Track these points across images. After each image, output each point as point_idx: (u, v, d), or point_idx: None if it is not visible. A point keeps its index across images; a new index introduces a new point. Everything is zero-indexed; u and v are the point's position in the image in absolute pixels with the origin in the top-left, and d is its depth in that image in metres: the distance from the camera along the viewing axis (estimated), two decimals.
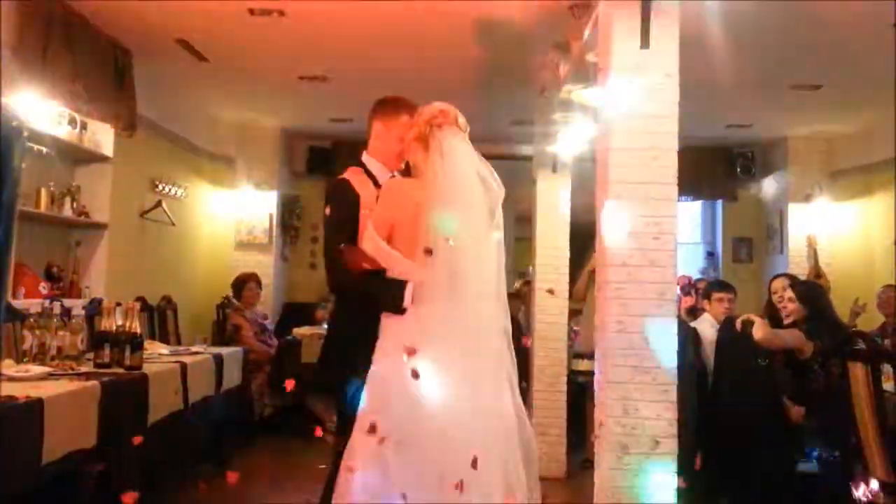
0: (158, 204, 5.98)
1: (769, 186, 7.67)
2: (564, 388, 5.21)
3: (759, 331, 3.84)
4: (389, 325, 2.44)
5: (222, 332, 6.31)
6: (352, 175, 2.63)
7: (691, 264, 8.12)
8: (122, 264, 5.41)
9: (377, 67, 5.32)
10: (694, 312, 5.40)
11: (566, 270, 5.31)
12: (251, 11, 4.35)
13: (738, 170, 7.71)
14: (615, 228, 2.75)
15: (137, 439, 3.07)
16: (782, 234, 7.30)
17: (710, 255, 8.28)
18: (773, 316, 4.39)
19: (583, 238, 4.95)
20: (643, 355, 2.68)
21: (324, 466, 2.61)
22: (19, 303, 4.02)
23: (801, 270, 6.54)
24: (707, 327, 4.56)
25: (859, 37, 4.52)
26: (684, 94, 2.77)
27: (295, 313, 7.24)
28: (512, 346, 2.46)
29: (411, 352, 2.31)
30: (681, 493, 2.67)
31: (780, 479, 3.74)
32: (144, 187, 5.90)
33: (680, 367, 2.72)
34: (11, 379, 2.93)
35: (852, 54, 4.82)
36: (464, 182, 2.44)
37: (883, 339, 4.96)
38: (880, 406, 3.21)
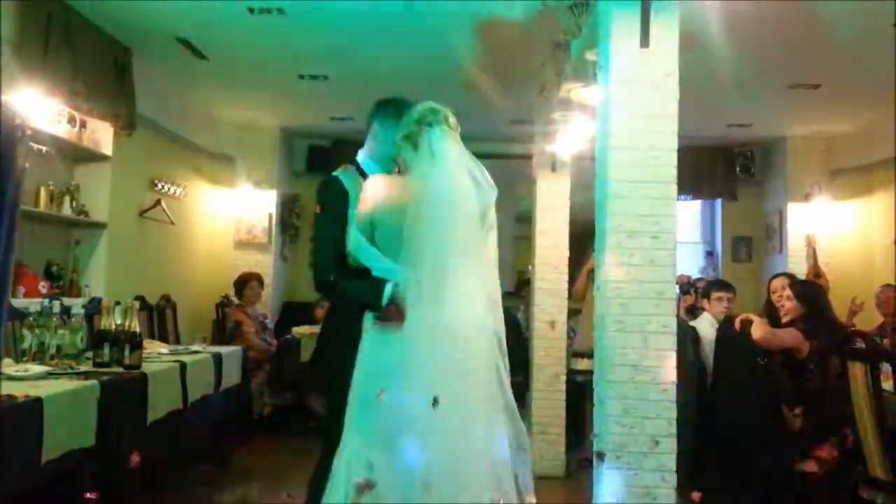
0: (158, 203, 5.98)
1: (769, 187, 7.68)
2: (563, 387, 5.21)
3: (758, 330, 3.84)
4: (372, 326, 2.43)
5: (222, 331, 6.32)
6: (343, 172, 2.63)
7: (690, 263, 8.13)
8: (122, 263, 5.41)
9: (377, 66, 5.32)
10: (693, 311, 5.41)
11: (566, 269, 5.31)
12: (251, 10, 4.35)
13: (738, 169, 7.71)
14: (614, 227, 2.75)
15: (135, 458, 3.08)
16: (781, 234, 7.31)
17: (710, 254, 8.28)
18: (772, 315, 4.40)
19: (582, 237, 4.95)
20: (642, 354, 2.68)
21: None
22: (19, 302, 4.02)
23: (800, 270, 6.54)
24: (706, 326, 4.56)
25: (859, 36, 4.52)
26: (684, 93, 2.77)
27: (294, 312, 7.24)
28: (504, 347, 2.43)
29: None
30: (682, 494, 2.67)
31: (779, 479, 3.74)
32: (144, 186, 5.90)
33: (679, 367, 2.72)
34: (11, 378, 2.93)
35: (852, 53, 4.82)
36: (453, 181, 2.41)
37: (882, 339, 4.96)
38: (879, 405, 3.22)
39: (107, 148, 5.16)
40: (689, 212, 8.43)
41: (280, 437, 5.78)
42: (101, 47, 4.76)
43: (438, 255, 2.34)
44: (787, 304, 4.09)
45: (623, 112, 2.77)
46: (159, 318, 5.72)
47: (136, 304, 3.86)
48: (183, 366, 3.95)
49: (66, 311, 3.77)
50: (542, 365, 5.22)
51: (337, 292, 2.60)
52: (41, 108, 4.24)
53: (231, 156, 7.38)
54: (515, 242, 8.98)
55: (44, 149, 4.50)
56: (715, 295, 4.71)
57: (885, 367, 3.46)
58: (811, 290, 4.32)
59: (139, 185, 5.83)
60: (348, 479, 2.32)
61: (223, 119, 7.12)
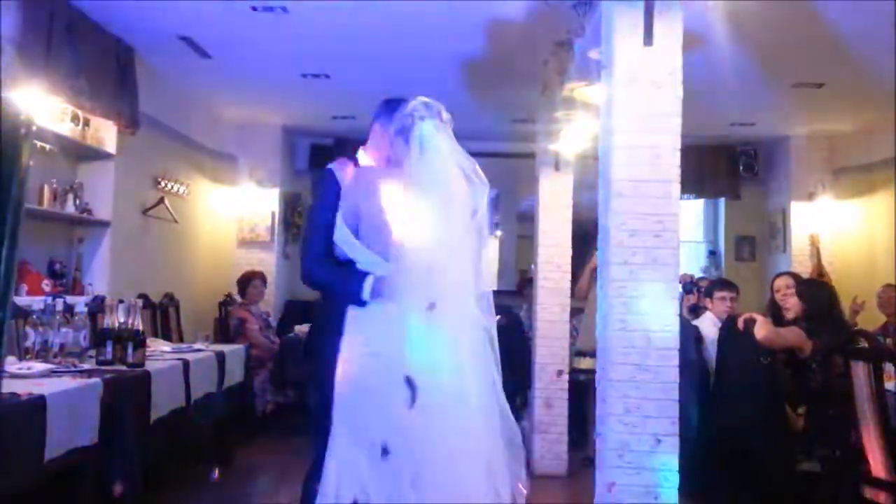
0: (161, 201, 5.99)
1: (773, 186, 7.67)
2: (566, 386, 5.21)
3: (761, 329, 3.83)
4: (354, 320, 2.41)
5: (225, 329, 6.32)
6: (339, 166, 2.63)
7: (694, 263, 8.13)
8: (125, 261, 5.42)
9: (379, 65, 5.32)
10: (696, 311, 5.41)
11: (568, 268, 5.31)
12: (254, 8, 4.35)
13: (741, 168, 7.70)
14: (617, 226, 2.75)
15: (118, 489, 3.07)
16: (785, 233, 7.30)
17: (713, 253, 8.27)
18: (775, 314, 4.39)
19: (585, 236, 4.95)
20: (645, 353, 2.68)
21: None
22: (22, 300, 4.03)
23: (803, 269, 6.53)
24: (709, 326, 4.56)
25: (862, 35, 4.51)
26: (687, 92, 2.76)
27: (297, 311, 7.25)
28: (496, 345, 2.42)
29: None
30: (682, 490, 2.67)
31: (781, 479, 3.74)
32: (147, 184, 5.91)
33: (682, 366, 2.72)
34: (14, 376, 2.93)
35: (855, 53, 4.81)
36: (443, 175, 2.40)
37: (885, 338, 4.96)
38: (882, 405, 3.21)
39: (110, 146, 5.17)
40: (693, 211, 8.43)
41: (283, 435, 5.79)
42: (104, 45, 4.76)
43: (427, 249, 2.32)
44: (791, 303, 4.08)
45: (626, 111, 2.76)
46: (162, 316, 5.73)
47: (140, 303, 3.87)
48: (186, 364, 3.95)
49: (69, 309, 3.77)
50: (545, 364, 5.22)
51: (321, 284, 2.60)
52: (44, 107, 4.25)
53: (234, 154, 7.39)
54: (518, 241, 8.99)
55: (47, 147, 4.51)
56: (718, 294, 4.71)
57: (888, 367, 3.45)
58: (816, 289, 4.31)
59: (142, 184, 5.84)
60: (339, 482, 2.32)
61: (226, 117, 7.13)
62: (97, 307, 4.39)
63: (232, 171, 7.40)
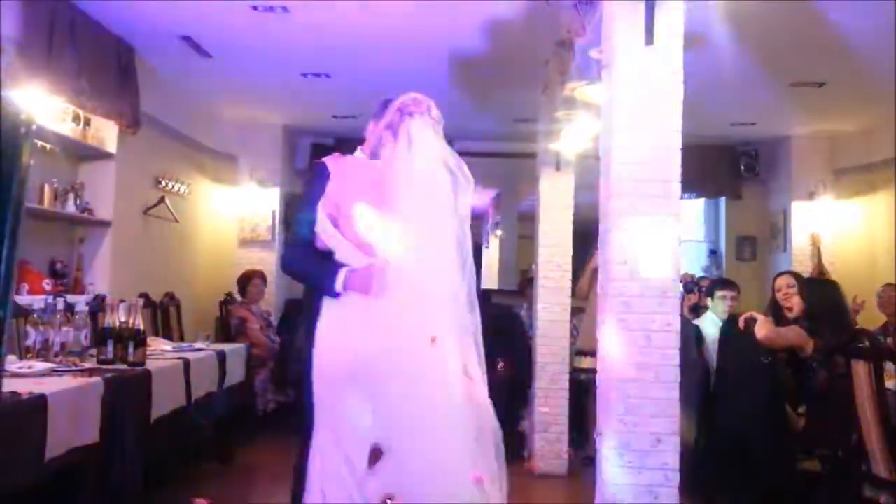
0: (162, 201, 5.99)
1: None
2: (566, 385, 5.22)
3: (762, 329, 3.83)
4: (327, 313, 2.42)
5: (225, 329, 6.33)
6: (332, 160, 2.63)
7: (695, 262, 8.13)
8: (126, 261, 5.42)
9: (380, 65, 5.32)
10: (697, 310, 5.41)
11: (569, 268, 5.31)
12: (255, 8, 4.36)
13: (742, 168, 7.70)
14: (618, 226, 2.75)
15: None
16: (786, 233, 7.29)
17: (713, 253, 8.27)
18: (776, 314, 4.38)
19: (586, 235, 4.95)
20: (645, 353, 2.68)
21: None
22: (23, 299, 4.03)
23: (804, 269, 6.52)
24: (710, 325, 4.56)
25: (863, 35, 4.51)
26: (688, 92, 2.76)
27: (297, 310, 7.24)
28: (479, 342, 2.41)
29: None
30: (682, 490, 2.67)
31: (781, 478, 3.74)
32: (148, 184, 5.91)
33: (682, 365, 2.72)
34: (15, 375, 2.94)
35: (856, 52, 4.81)
36: (428, 170, 2.40)
37: (885, 338, 4.95)
38: (883, 404, 3.21)
39: (111, 146, 5.17)
40: (694, 210, 8.42)
41: (283, 434, 5.77)
42: (105, 45, 4.77)
43: (408, 243, 2.32)
44: (793, 302, 4.08)
45: (627, 110, 2.76)
46: (163, 315, 5.73)
47: (140, 302, 3.87)
48: (187, 363, 3.95)
49: (70, 308, 3.78)
50: (545, 363, 5.22)
51: (297, 274, 2.61)
52: (45, 106, 4.25)
53: (234, 154, 7.39)
54: (519, 241, 8.99)
55: (48, 146, 4.51)
56: (719, 294, 4.71)
57: (889, 367, 3.45)
58: (822, 288, 4.30)
59: (143, 183, 5.84)
60: (322, 479, 2.33)
61: (226, 117, 7.13)
62: (98, 306, 4.39)
63: (232, 170, 7.40)
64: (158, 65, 5.43)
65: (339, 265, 2.39)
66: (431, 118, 2.49)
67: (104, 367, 3.40)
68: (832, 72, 5.29)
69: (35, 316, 3.53)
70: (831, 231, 7.02)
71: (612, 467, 2.66)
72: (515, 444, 5.55)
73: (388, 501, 2.23)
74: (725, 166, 7.72)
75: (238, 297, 6.54)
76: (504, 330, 5.86)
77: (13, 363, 3.14)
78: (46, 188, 4.63)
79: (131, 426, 3.22)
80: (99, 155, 5.14)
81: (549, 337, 5.24)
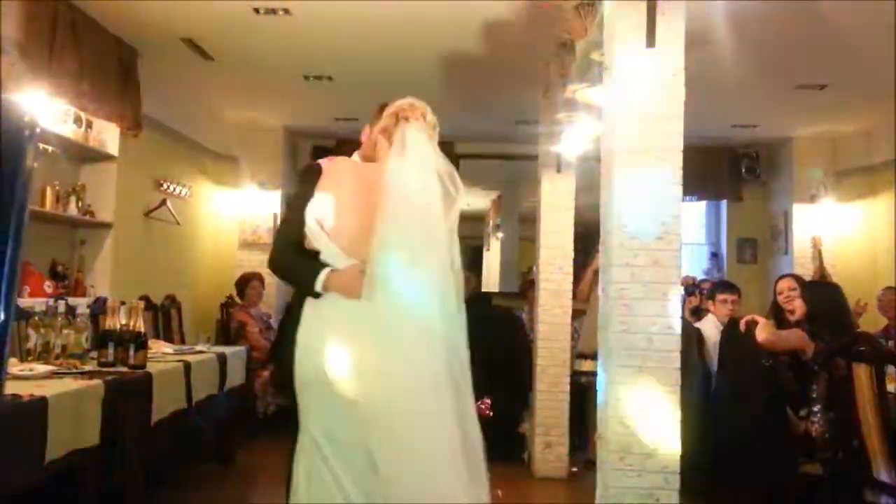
0: (163, 203, 5.99)
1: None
2: (567, 388, 5.21)
3: (763, 332, 3.83)
4: (310, 314, 2.42)
5: (226, 331, 6.33)
6: (326, 161, 2.63)
7: (696, 265, 8.12)
8: (127, 263, 5.43)
9: (381, 67, 5.32)
10: (698, 313, 5.40)
11: (570, 270, 5.30)
12: (257, 10, 4.36)
13: (743, 170, 7.69)
14: (619, 228, 2.75)
15: None
16: (787, 235, 7.29)
17: (714, 255, 8.26)
18: (778, 317, 4.38)
19: (587, 238, 4.95)
20: (646, 356, 2.68)
21: None
22: (24, 301, 4.03)
23: (805, 271, 6.53)
24: (710, 328, 4.55)
25: (865, 36, 4.51)
26: (689, 94, 2.76)
27: None
28: (462, 353, 2.36)
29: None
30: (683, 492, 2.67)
31: (783, 481, 3.73)
32: (149, 186, 5.91)
33: (683, 368, 2.71)
34: (16, 377, 2.93)
35: (858, 54, 4.81)
36: (419, 177, 2.38)
37: (887, 341, 4.95)
38: (884, 407, 3.21)
39: (112, 148, 5.18)
40: (695, 213, 8.42)
41: (283, 436, 5.77)
42: (107, 47, 4.77)
43: (393, 248, 2.31)
44: (795, 305, 4.08)
45: (628, 112, 2.76)
46: (164, 317, 5.73)
47: (141, 304, 3.87)
48: (187, 366, 3.95)
49: (71, 310, 3.78)
50: (546, 366, 5.22)
51: (281, 273, 2.62)
52: (47, 108, 4.26)
53: (236, 156, 7.40)
54: (520, 243, 8.99)
55: (50, 149, 4.52)
56: (720, 297, 4.70)
57: (890, 370, 3.44)
58: (823, 293, 4.29)
59: (145, 186, 5.85)
60: (308, 482, 2.33)
61: (228, 119, 7.14)
62: (99, 309, 4.39)
63: (234, 172, 7.41)
64: (160, 67, 5.44)
65: (323, 266, 2.40)
66: (426, 124, 2.49)
67: (105, 369, 3.40)
68: (833, 74, 5.29)
69: (36, 318, 3.53)
70: (832, 234, 7.01)
71: (612, 470, 2.65)
72: (516, 447, 5.55)
73: None
74: (726, 168, 7.72)
75: (238, 300, 6.55)
76: (504, 332, 5.86)
77: (14, 365, 3.14)
78: (48, 190, 4.63)
79: (132, 429, 3.22)
80: (100, 157, 5.14)
81: (550, 340, 5.23)
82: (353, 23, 4.55)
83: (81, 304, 4.44)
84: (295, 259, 2.47)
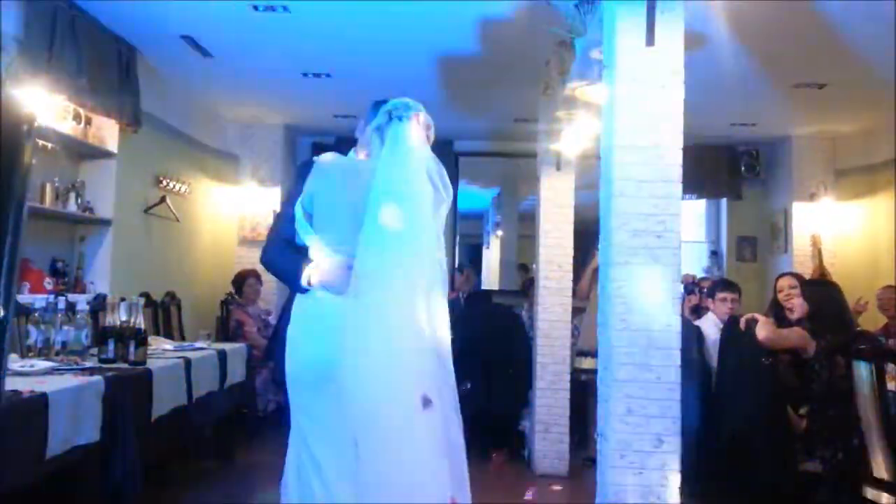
0: (163, 200, 5.99)
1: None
2: (567, 385, 5.22)
3: (763, 330, 3.83)
4: (298, 311, 2.45)
5: (226, 328, 6.33)
6: (321, 158, 2.64)
7: (695, 263, 8.12)
8: (127, 260, 5.42)
9: (380, 64, 5.32)
10: (697, 311, 5.40)
11: (570, 268, 5.31)
12: (256, 8, 4.36)
13: (743, 168, 7.70)
14: (619, 226, 2.75)
15: None
16: (787, 234, 7.29)
17: (714, 253, 8.27)
18: (778, 315, 4.38)
19: (586, 236, 4.95)
20: (646, 354, 2.68)
21: None
22: (24, 298, 4.03)
23: (805, 270, 6.53)
24: (710, 326, 4.56)
25: (865, 35, 4.51)
26: (689, 92, 2.76)
27: None
28: (447, 352, 2.38)
29: None
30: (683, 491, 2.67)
31: (782, 479, 3.74)
32: (149, 183, 5.91)
33: (683, 366, 2.72)
34: (16, 374, 2.94)
35: (857, 53, 4.81)
36: (408, 175, 2.40)
37: (887, 339, 4.95)
38: (884, 406, 3.21)
39: (112, 145, 5.17)
40: (694, 211, 8.42)
41: (284, 434, 5.78)
42: (106, 44, 4.77)
43: (379, 245, 2.31)
44: (795, 303, 4.08)
45: (628, 111, 2.76)
46: (164, 314, 5.73)
47: (141, 301, 3.87)
48: (188, 362, 3.95)
49: (71, 307, 3.78)
50: (546, 364, 5.22)
51: (271, 269, 2.65)
52: (46, 105, 4.25)
53: (235, 153, 7.40)
54: (519, 241, 8.98)
55: (49, 145, 4.51)
56: (720, 295, 4.70)
57: (890, 368, 3.45)
58: (822, 291, 4.30)
59: (144, 182, 5.84)
60: (300, 482, 2.34)
61: (227, 116, 7.13)
62: (99, 305, 4.39)
63: (234, 169, 7.41)
64: (159, 64, 5.44)
65: (304, 261, 2.43)
66: (419, 124, 2.50)
67: (105, 366, 3.41)
68: (833, 73, 5.29)
69: (36, 315, 3.53)
70: (832, 232, 7.02)
71: (612, 468, 2.65)
72: (516, 444, 5.56)
73: None
74: (726, 167, 7.72)
75: (237, 298, 6.55)
76: (505, 330, 5.86)
77: (15, 362, 3.14)
78: (47, 187, 4.63)
79: (132, 425, 3.22)
80: (100, 154, 5.14)
81: (550, 337, 5.24)
82: (352, 20, 4.54)
83: (81, 301, 4.43)
84: (284, 256, 2.50)
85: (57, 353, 3.45)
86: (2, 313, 1.18)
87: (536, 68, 4.76)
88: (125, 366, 3.46)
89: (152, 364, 3.61)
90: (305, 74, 5.68)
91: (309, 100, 6.52)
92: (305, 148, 7.88)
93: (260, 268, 6.98)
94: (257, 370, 5.75)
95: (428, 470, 2.26)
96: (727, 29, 4.00)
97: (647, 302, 2.70)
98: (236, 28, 4.75)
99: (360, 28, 4.68)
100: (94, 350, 3.63)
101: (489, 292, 7.81)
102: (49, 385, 2.78)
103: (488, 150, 7.73)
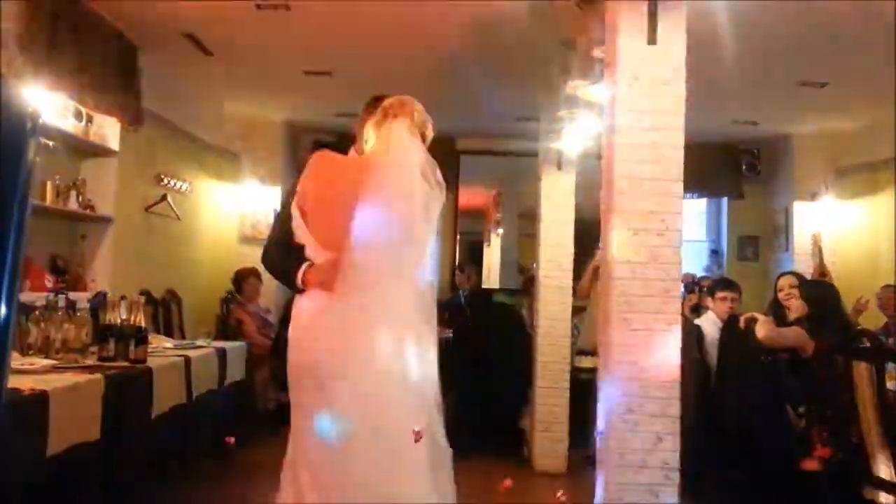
0: (163, 198, 5.99)
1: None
2: (567, 384, 5.22)
3: (762, 329, 3.83)
4: (297, 310, 2.46)
5: (226, 326, 6.33)
6: (318, 156, 2.64)
7: (696, 262, 8.12)
8: (127, 258, 5.42)
9: (382, 62, 5.32)
10: (697, 310, 5.40)
11: (570, 267, 5.31)
12: (258, 6, 4.36)
13: (744, 167, 7.69)
14: (620, 225, 2.75)
15: None
16: (787, 232, 7.29)
17: (715, 252, 8.27)
18: (778, 314, 4.38)
19: (587, 235, 4.95)
20: (646, 352, 2.68)
21: None
22: (25, 296, 4.03)
23: (806, 269, 6.52)
24: (710, 325, 4.56)
25: (866, 34, 4.50)
26: (690, 91, 2.76)
27: None
28: (433, 354, 2.38)
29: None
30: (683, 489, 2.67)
31: (782, 478, 3.74)
32: (149, 181, 5.91)
33: (683, 365, 2.72)
34: (17, 371, 2.94)
35: (859, 51, 4.80)
36: (402, 173, 2.40)
37: (887, 338, 4.95)
38: (884, 405, 3.21)
39: (113, 143, 5.17)
40: (695, 210, 8.42)
41: (283, 432, 5.78)
42: (108, 42, 4.76)
43: (370, 243, 2.32)
44: (794, 303, 4.08)
45: (629, 109, 2.76)
46: (164, 312, 5.74)
47: (142, 299, 3.88)
48: (187, 361, 3.96)
49: (71, 305, 3.78)
50: (546, 362, 5.23)
51: (270, 268, 2.68)
52: (47, 103, 4.25)
53: (236, 151, 7.40)
54: (520, 240, 8.98)
55: (50, 143, 4.51)
56: (720, 294, 4.70)
57: (890, 367, 3.45)
58: (819, 290, 4.30)
59: (145, 180, 5.84)
60: (295, 480, 2.34)
61: (229, 114, 7.13)
62: (99, 303, 4.39)
63: (235, 167, 7.41)
64: (161, 62, 5.43)
65: (302, 261, 2.43)
66: (414, 123, 2.50)
67: (105, 364, 3.41)
68: (834, 71, 5.28)
69: (37, 313, 3.54)
70: (833, 231, 7.01)
71: (612, 466, 2.66)
72: (516, 442, 5.57)
73: None
74: (727, 165, 7.72)
75: (237, 296, 6.55)
76: (505, 328, 5.87)
77: (15, 360, 3.14)
78: (48, 185, 4.63)
79: (132, 423, 3.23)
80: (101, 151, 5.14)
81: (551, 336, 5.25)
82: (353, 18, 4.54)
83: (82, 299, 4.44)
84: (281, 256, 2.51)
85: (57, 352, 3.45)
86: (5, 311, 1.18)
87: (538, 67, 4.76)
88: (125, 364, 3.46)
89: (152, 362, 3.61)
90: (307, 72, 5.67)
91: (310, 98, 6.52)
92: (306, 146, 7.85)
93: (260, 266, 7.03)
94: (257, 368, 5.75)
95: (408, 471, 2.29)
96: (728, 27, 3.99)
97: (648, 301, 2.70)
98: (238, 26, 4.75)
99: (360, 26, 4.68)
100: (95, 348, 3.63)
101: (490, 291, 7.81)
102: (50, 383, 2.77)
103: (490, 148, 7.72)
